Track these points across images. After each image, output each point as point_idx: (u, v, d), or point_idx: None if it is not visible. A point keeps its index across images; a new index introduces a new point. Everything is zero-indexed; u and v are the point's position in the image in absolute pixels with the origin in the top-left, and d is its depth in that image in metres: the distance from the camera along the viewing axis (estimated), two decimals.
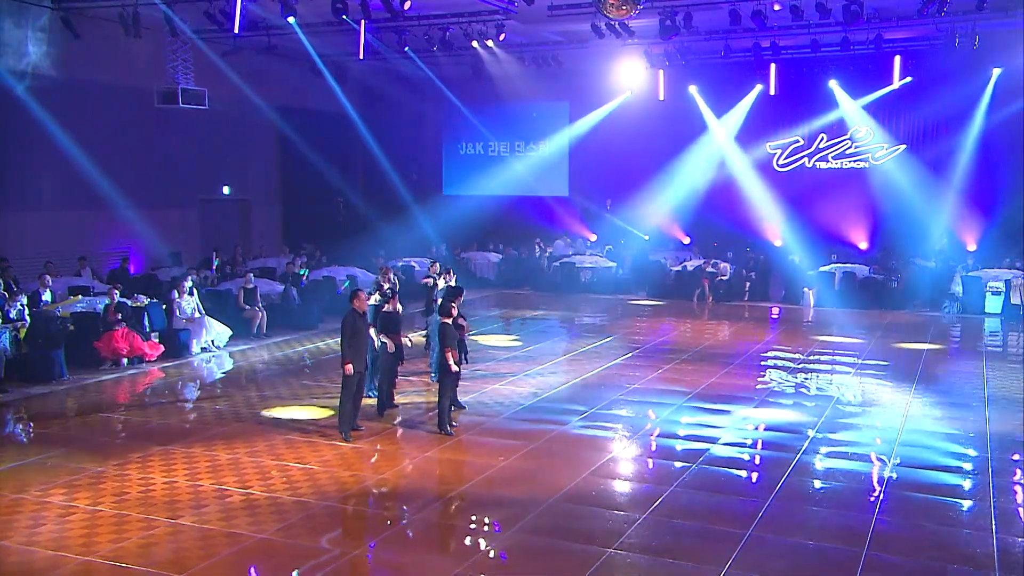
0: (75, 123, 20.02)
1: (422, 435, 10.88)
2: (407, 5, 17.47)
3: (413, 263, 23.22)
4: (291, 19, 18.35)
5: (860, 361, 15.25)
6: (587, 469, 9.53)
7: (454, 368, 10.76)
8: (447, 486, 9.20)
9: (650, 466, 10.00)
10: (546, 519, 8.21)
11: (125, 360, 14.22)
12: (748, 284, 22.13)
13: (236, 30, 18.58)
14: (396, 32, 20.95)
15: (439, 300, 12.08)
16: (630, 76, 25.69)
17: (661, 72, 25.50)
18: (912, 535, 7.96)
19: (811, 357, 15.59)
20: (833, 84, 25.35)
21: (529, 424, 11.28)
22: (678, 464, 9.78)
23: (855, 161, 26.14)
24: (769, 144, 26.75)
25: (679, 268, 22.91)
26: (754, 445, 10.70)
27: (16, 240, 19.03)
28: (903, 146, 25.29)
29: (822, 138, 26.44)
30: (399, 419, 11.55)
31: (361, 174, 28.14)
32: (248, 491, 8.80)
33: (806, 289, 21.27)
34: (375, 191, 27.71)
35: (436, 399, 11.01)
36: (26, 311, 13.84)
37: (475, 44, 21.13)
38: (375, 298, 12.23)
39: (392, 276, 13.70)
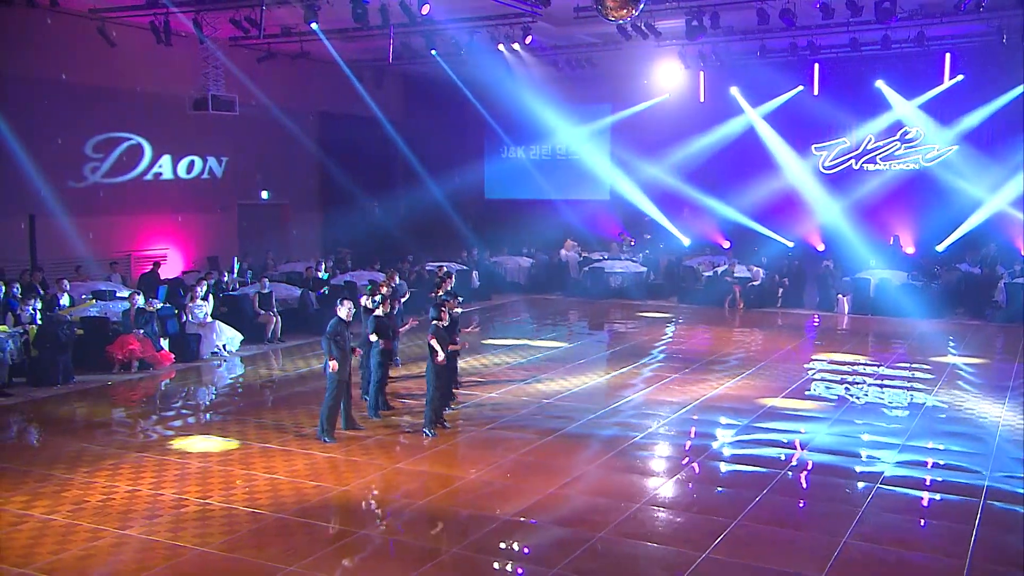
0: (115, 129, 20.64)
1: (400, 444, 10.77)
2: (425, 10, 17.42)
3: (444, 267, 23.10)
4: (314, 25, 18.40)
5: (880, 371, 14.67)
6: (557, 483, 9.28)
7: (439, 358, 10.76)
8: (406, 500, 9.02)
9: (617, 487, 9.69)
10: (492, 538, 7.99)
11: (136, 364, 14.42)
12: (781, 290, 21.46)
13: (260, 35, 18.80)
14: (424, 36, 20.96)
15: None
16: (668, 78, 25.31)
17: (701, 74, 25.10)
18: None
19: (849, 368, 15.06)
20: (880, 84, 24.54)
21: (519, 434, 11.06)
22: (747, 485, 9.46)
23: (904, 163, 25.25)
24: (814, 146, 26.03)
25: (710, 273, 22.35)
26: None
27: (54, 244, 19.53)
28: (955, 147, 24.33)
29: (870, 139, 25.62)
30: (384, 424, 11.48)
31: (401, 179, 28.19)
32: (206, 501, 8.77)
33: (840, 296, 20.53)
34: (415, 195, 27.73)
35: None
36: (38, 315, 14.15)
37: (501, 48, 20.97)
38: (370, 301, 12.27)
39: (397, 279, 13.68)
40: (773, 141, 25.88)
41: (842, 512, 8.60)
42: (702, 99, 25.71)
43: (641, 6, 12.49)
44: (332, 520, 8.38)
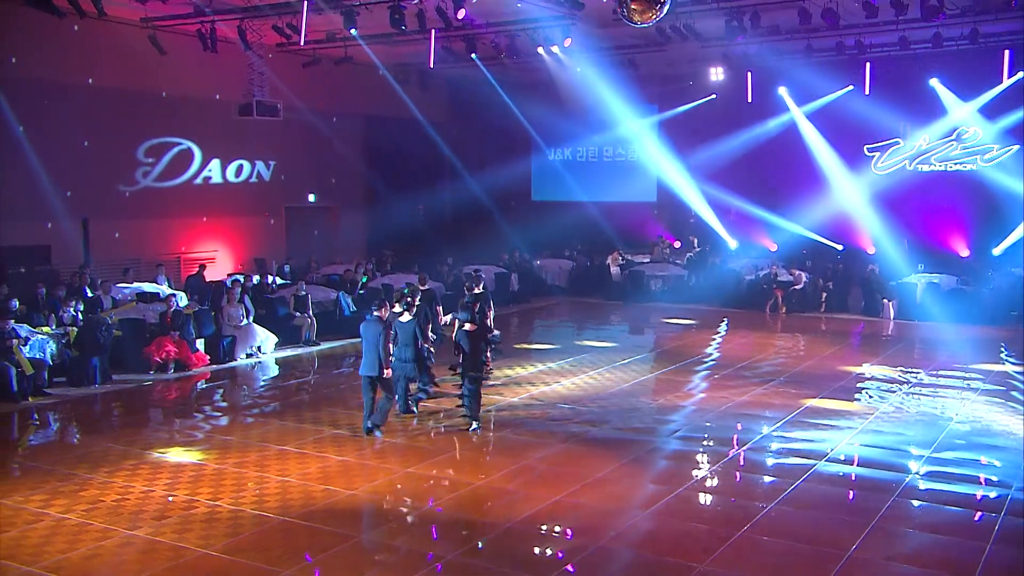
0: (166, 134, 21.24)
1: (415, 447, 10.85)
2: (461, 14, 17.50)
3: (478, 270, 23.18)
4: (353, 31, 18.61)
5: (918, 379, 14.31)
6: (564, 490, 9.26)
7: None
8: (412, 505, 9.10)
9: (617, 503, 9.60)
10: (489, 546, 8.01)
11: (172, 366, 14.78)
12: (825, 294, 21.03)
13: (302, 42, 19.09)
14: (465, 40, 21.05)
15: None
16: (715, 78, 25.01)
17: (748, 74, 24.76)
18: None
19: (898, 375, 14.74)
20: (935, 82, 23.90)
21: (536, 439, 11.06)
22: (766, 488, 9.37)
23: (961, 163, 24.55)
24: (867, 147, 25.46)
25: (752, 277, 22.01)
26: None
27: (106, 247, 20.14)
28: (1016, 146, 23.57)
29: (925, 140, 24.96)
30: (402, 427, 11.60)
31: (447, 181, 28.35)
32: (216, 503, 8.94)
33: (886, 300, 20.04)
34: (460, 197, 27.88)
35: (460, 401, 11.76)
36: (79, 316, 14.60)
37: (541, 51, 20.96)
38: (397, 305, 12.46)
39: (429, 282, 13.92)
40: (822, 142, 25.37)
41: (853, 523, 8.41)
42: (749, 99, 25.34)
43: (665, 10, 12.35)
44: (334, 524, 8.46)
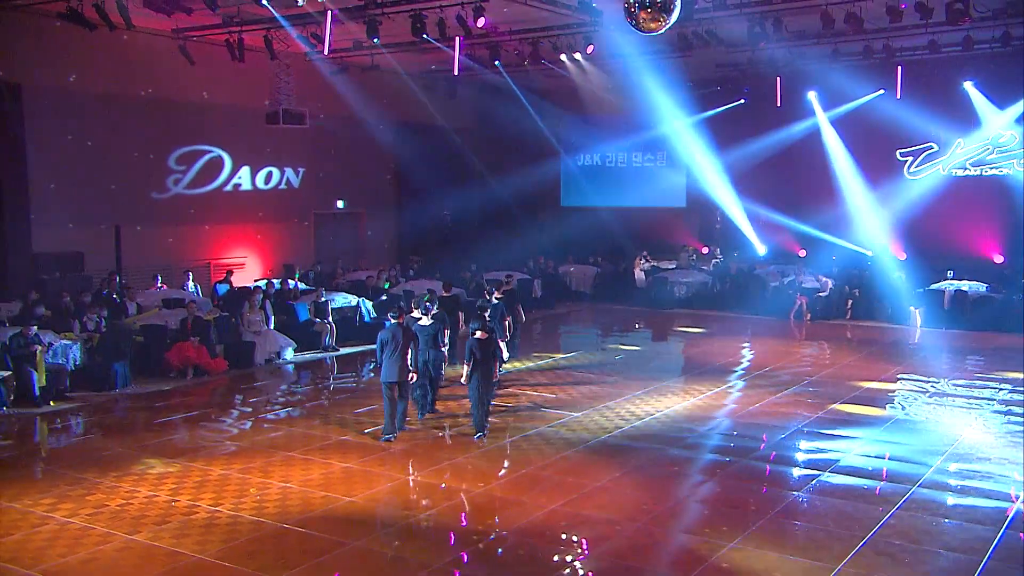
0: (196, 142, 21.67)
1: (419, 454, 10.96)
2: (480, 22, 17.60)
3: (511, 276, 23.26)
4: (376, 40, 18.79)
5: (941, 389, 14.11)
6: (562, 499, 9.30)
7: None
8: (407, 513, 9.20)
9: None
10: (476, 554, 8.08)
11: (192, 371, 15.06)
12: (850, 301, 20.77)
13: (326, 51, 19.35)
14: (488, 48, 21.17)
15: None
16: (742, 82, 24.82)
17: (778, 78, 24.55)
18: None
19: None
20: (968, 86, 23.49)
21: (540, 447, 11.12)
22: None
23: (997, 168, 24.11)
24: (899, 151, 25.11)
25: (777, 284, 21.82)
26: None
27: (138, 253, 20.55)
28: None
29: (959, 144, 24.55)
30: (413, 434, 11.75)
31: (475, 187, 28.46)
32: (216, 509, 9.12)
33: (912, 308, 19.74)
34: (489, 204, 27.98)
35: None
36: (103, 322, 14.95)
37: (563, 57, 21.01)
38: (417, 311, 12.70)
39: (453, 289, 14.34)
40: (851, 147, 25.07)
41: (844, 537, 8.34)
42: (778, 103, 25.12)
43: (673, 19, 12.31)
44: (328, 531, 8.58)
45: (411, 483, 10.00)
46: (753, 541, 8.25)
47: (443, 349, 12.89)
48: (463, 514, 9.07)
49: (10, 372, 12.96)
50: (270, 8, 16.99)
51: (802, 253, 25.31)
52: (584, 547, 8.22)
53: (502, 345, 13.82)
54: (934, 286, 20.40)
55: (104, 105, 19.92)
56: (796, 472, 10.36)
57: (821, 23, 17.92)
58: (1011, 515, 8.93)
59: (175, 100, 21.07)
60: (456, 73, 21.62)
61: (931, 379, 14.94)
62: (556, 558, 8.02)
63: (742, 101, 25.62)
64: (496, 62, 21.54)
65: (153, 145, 21.13)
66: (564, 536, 8.49)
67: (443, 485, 9.92)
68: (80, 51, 18.63)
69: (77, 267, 19.45)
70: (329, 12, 17.95)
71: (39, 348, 13.19)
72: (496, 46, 21.03)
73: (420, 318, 12.42)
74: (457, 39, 19.77)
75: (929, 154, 24.83)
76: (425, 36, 18.32)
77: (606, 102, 25.02)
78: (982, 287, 19.91)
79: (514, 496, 9.52)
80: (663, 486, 9.93)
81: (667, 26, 12.64)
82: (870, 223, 24.18)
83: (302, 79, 22.06)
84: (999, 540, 8.30)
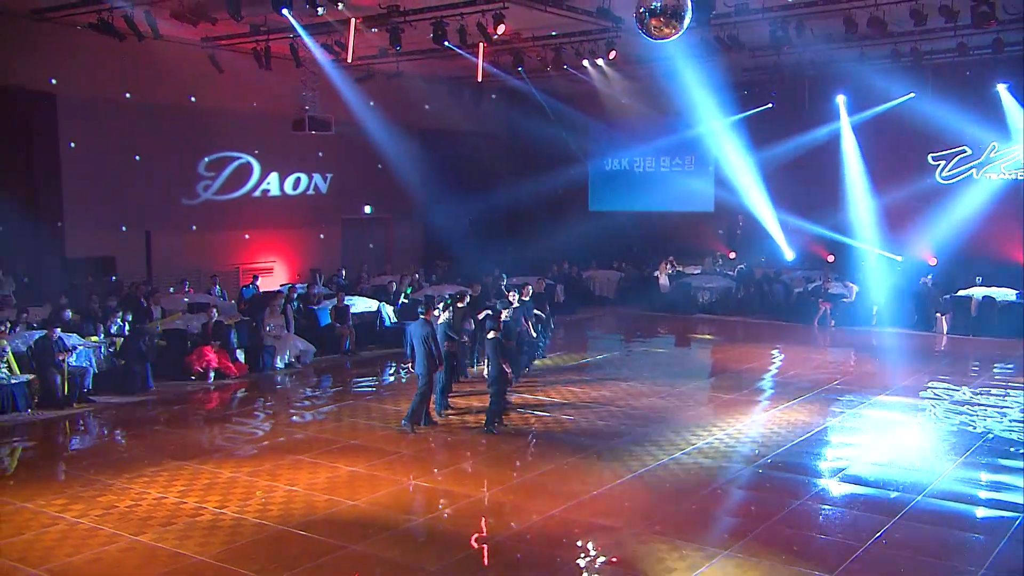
0: (226, 149, 22.03)
1: (426, 457, 11.08)
2: (500, 29, 17.71)
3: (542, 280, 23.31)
4: (398, 48, 18.98)
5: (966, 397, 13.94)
6: (564, 504, 9.36)
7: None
8: (408, 516, 9.31)
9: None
10: (471, 559, 8.17)
11: (212, 375, 15.33)
12: (876, 308, 20.53)
13: (350, 59, 19.59)
14: (512, 54, 21.28)
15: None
16: (769, 85, 24.65)
17: (806, 81, 24.36)
18: None
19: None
20: (1001, 88, 23.11)
21: (545, 452, 11.18)
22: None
23: None
24: (931, 155, 24.76)
25: (800, 290, 21.64)
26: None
27: (168, 258, 20.98)
28: None
29: (993, 147, 24.15)
30: (422, 436, 11.92)
31: (502, 192, 28.58)
32: (222, 511, 9.30)
33: (939, 314, 19.47)
34: (516, 209, 28.08)
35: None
36: (126, 327, 15.28)
37: (586, 63, 21.06)
38: (443, 315, 13.10)
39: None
40: (885, 150, 24.78)
41: (843, 546, 8.30)
42: (806, 107, 24.91)
43: (684, 26, 12.34)
44: (328, 534, 8.72)
45: (415, 488, 10.10)
46: (749, 549, 8.25)
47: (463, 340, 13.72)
48: (464, 518, 9.15)
49: (35, 375, 13.30)
50: (290, 19, 17.21)
51: (830, 258, 25.05)
52: (582, 552, 8.26)
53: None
54: (962, 292, 20.09)
55: (135, 113, 20.37)
56: (802, 479, 10.29)
57: (844, 27, 17.85)
58: (1015, 526, 8.81)
59: (204, 107, 21.48)
60: (480, 80, 21.77)
61: (952, 387, 14.75)
62: (557, 560, 8.07)
63: (770, 105, 25.43)
64: (519, 68, 21.65)
65: (183, 152, 21.56)
66: (565, 540, 8.54)
67: (448, 491, 10.01)
68: (112, 60, 19.05)
69: (109, 272, 19.90)
70: (352, 20, 18.19)
71: (63, 357, 13.47)
72: (519, 52, 21.14)
73: (439, 316, 12.96)
74: (480, 46, 19.93)
75: (962, 158, 24.47)
76: (447, 44, 18.52)
77: (630, 107, 24.98)
78: (1011, 294, 19.57)
79: (517, 501, 9.58)
80: (664, 491, 9.94)
81: (678, 33, 12.69)
82: (898, 228, 23.87)
83: (328, 86, 22.33)
84: (998, 551, 8.21)
